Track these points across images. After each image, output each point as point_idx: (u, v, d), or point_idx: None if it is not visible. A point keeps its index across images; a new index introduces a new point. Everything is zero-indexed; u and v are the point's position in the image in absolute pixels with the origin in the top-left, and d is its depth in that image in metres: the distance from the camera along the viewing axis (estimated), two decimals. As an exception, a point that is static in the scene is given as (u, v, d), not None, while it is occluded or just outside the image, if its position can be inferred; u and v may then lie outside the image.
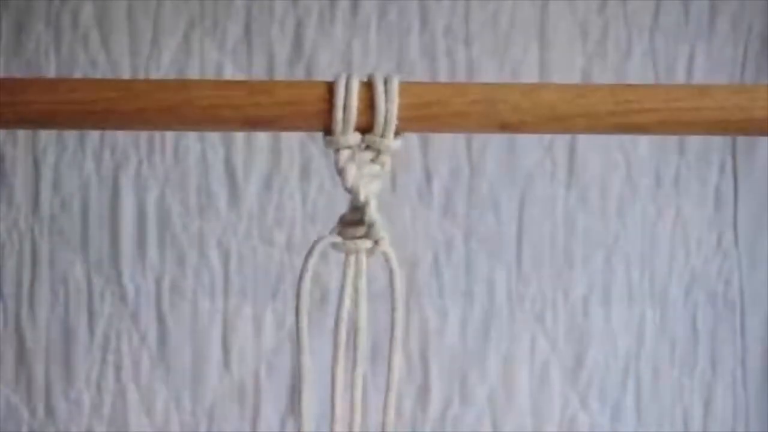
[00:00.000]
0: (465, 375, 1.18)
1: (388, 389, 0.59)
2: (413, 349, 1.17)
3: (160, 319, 1.17)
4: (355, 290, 0.57)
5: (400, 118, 0.55)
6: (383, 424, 0.60)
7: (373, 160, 0.56)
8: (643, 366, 1.19)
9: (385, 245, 0.57)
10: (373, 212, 0.56)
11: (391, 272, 0.57)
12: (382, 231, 0.56)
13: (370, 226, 0.56)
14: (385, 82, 0.55)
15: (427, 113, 0.55)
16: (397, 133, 0.55)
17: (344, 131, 0.55)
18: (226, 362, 1.17)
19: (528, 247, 1.18)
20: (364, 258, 0.57)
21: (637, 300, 1.19)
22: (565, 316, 1.18)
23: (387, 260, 0.57)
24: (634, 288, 1.19)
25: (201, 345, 1.17)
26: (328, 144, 0.56)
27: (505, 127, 0.55)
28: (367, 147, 0.56)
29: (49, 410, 1.17)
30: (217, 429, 1.17)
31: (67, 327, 1.17)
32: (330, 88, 0.55)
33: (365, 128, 0.56)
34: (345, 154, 0.55)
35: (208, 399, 1.17)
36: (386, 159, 0.56)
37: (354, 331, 0.58)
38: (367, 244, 0.57)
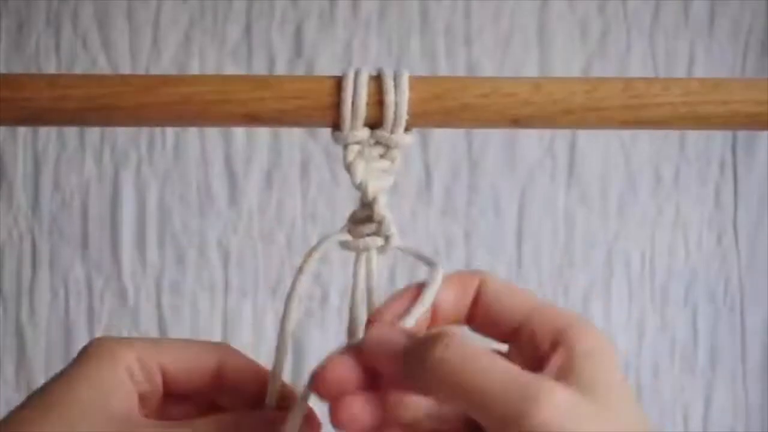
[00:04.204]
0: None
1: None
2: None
3: (160, 319, 1.17)
4: (368, 290, 0.56)
5: (409, 113, 0.54)
6: None
7: (382, 156, 0.55)
8: (643, 365, 1.19)
9: (396, 242, 0.56)
10: (382, 209, 0.54)
11: (432, 267, 0.56)
12: (392, 227, 0.55)
13: (380, 223, 0.55)
14: (395, 76, 0.54)
15: (438, 108, 0.54)
16: (407, 128, 0.55)
17: (353, 126, 0.54)
18: (226, 362, 1.17)
19: (528, 246, 1.18)
20: (374, 256, 0.56)
21: (637, 299, 1.19)
22: (565, 316, 1.18)
23: (409, 255, 0.57)
24: (634, 287, 1.19)
25: (201, 345, 1.17)
26: (336, 140, 0.55)
27: (516, 121, 0.54)
28: (377, 142, 0.55)
29: (49, 410, 1.16)
30: (217, 429, 1.17)
31: (67, 327, 1.17)
32: (338, 82, 0.54)
33: (374, 123, 0.55)
34: (353, 149, 0.55)
35: (208, 399, 1.17)
36: (396, 155, 0.55)
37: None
38: (378, 241, 0.56)
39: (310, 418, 0.56)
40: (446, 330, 0.48)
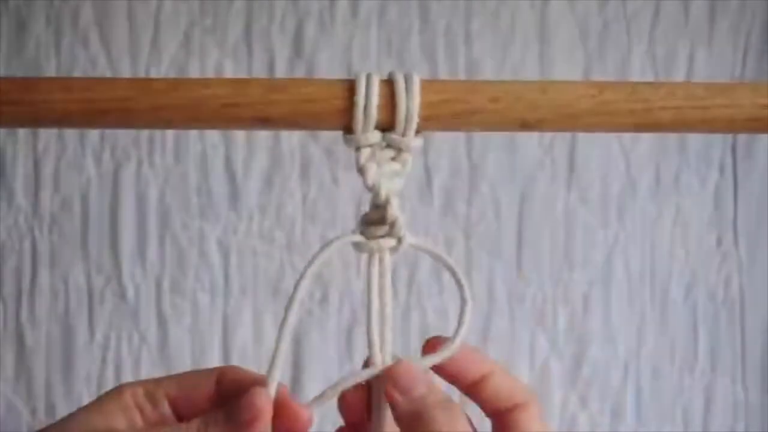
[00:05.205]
0: (465, 375, 1.18)
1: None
2: (413, 349, 1.17)
3: (160, 319, 1.17)
4: (381, 290, 0.57)
5: (420, 116, 0.54)
6: None
7: (393, 159, 0.56)
8: (643, 366, 1.19)
9: (407, 241, 0.57)
10: (394, 210, 0.56)
11: (453, 274, 0.58)
12: (404, 228, 0.56)
13: (392, 224, 0.56)
14: (406, 80, 0.54)
15: (449, 111, 0.54)
16: (417, 131, 0.55)
17: (365, 129, 0.54)
18: (226, 362, 1.17)
19: (528, 247, 1.18)
20: (387, 257, 0.57)
21: (637, 300, 1.19)
22: (565, 316, 1.19)
23: (429, 255, 0.58)
24: (634, 288, 1.19)
25: (201, 345, 1.17)
26: (347, 143, 0.55)
27: (525, 125, 0.55)
28: (388, 145, 0.55)
29: (49, 410, 1.16)
30: (217, 429, 1.17)
31: (67, 327, 1.16)
32: (350, 86, 0.54)
33: (386, 126, 0.55)
34: (365, 152, 0.55)
35: (208, 399, 1.17)
36: (407, 157, 0.56)
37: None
38: (391, 242, 0.57)
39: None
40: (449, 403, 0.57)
